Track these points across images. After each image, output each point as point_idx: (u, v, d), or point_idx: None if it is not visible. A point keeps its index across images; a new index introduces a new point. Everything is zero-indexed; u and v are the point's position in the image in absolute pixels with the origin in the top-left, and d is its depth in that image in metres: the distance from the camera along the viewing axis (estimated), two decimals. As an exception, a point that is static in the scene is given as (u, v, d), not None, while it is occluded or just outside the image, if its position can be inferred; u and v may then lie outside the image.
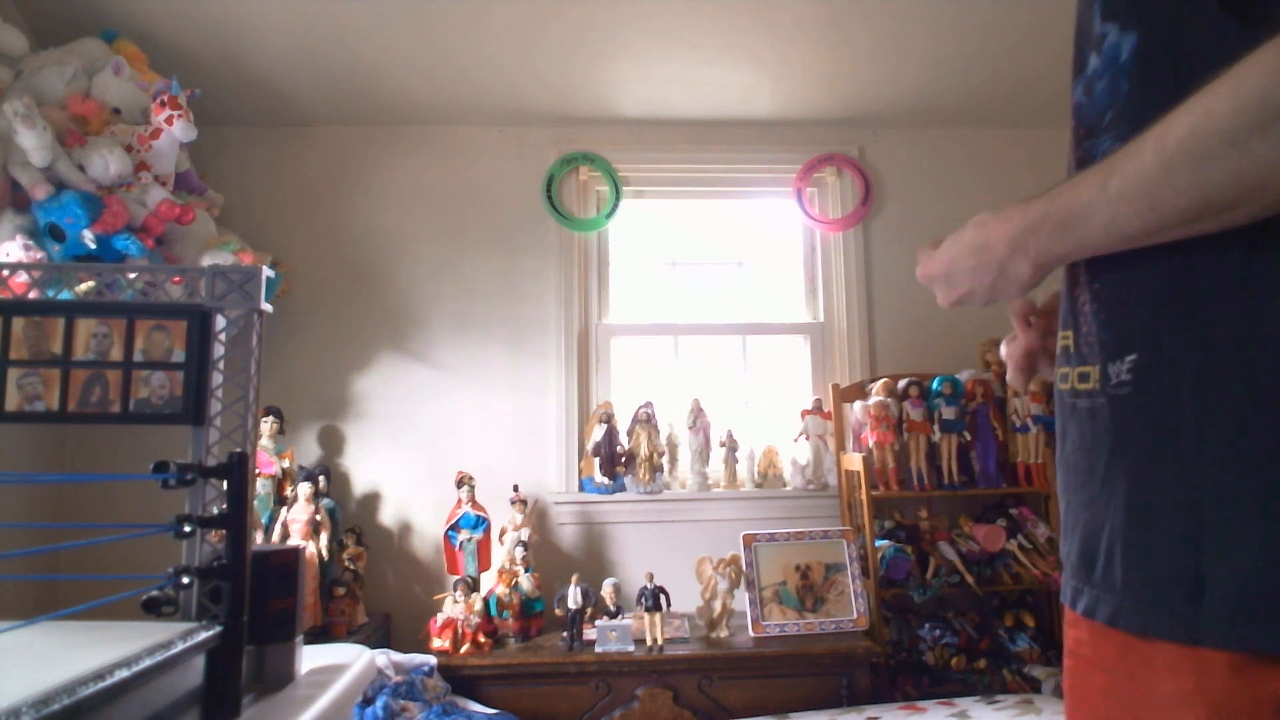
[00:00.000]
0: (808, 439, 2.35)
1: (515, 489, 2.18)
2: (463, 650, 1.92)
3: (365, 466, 2.32)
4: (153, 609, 0.71)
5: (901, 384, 2.23)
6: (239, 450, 0.80)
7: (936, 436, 2.19)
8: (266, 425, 2.15)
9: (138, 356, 0.83)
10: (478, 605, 1.97)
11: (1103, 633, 0.54)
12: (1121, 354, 0.54)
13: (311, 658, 0.94)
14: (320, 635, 1.92)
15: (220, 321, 0.86)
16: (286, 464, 2.15)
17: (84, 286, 0.89)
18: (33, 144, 1.61)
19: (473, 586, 2.02)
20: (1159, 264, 0.52)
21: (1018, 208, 0.58)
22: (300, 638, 0.88)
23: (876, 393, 2.22)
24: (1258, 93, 0.41)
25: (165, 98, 1.79)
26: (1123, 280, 0.54)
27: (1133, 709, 0.52)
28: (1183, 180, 0.45)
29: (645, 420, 2.27)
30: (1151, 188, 0.47)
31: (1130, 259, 0.53)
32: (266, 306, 0.88)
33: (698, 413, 2.30)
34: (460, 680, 1.87)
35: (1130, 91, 0.54)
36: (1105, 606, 0.54)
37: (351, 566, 2.08)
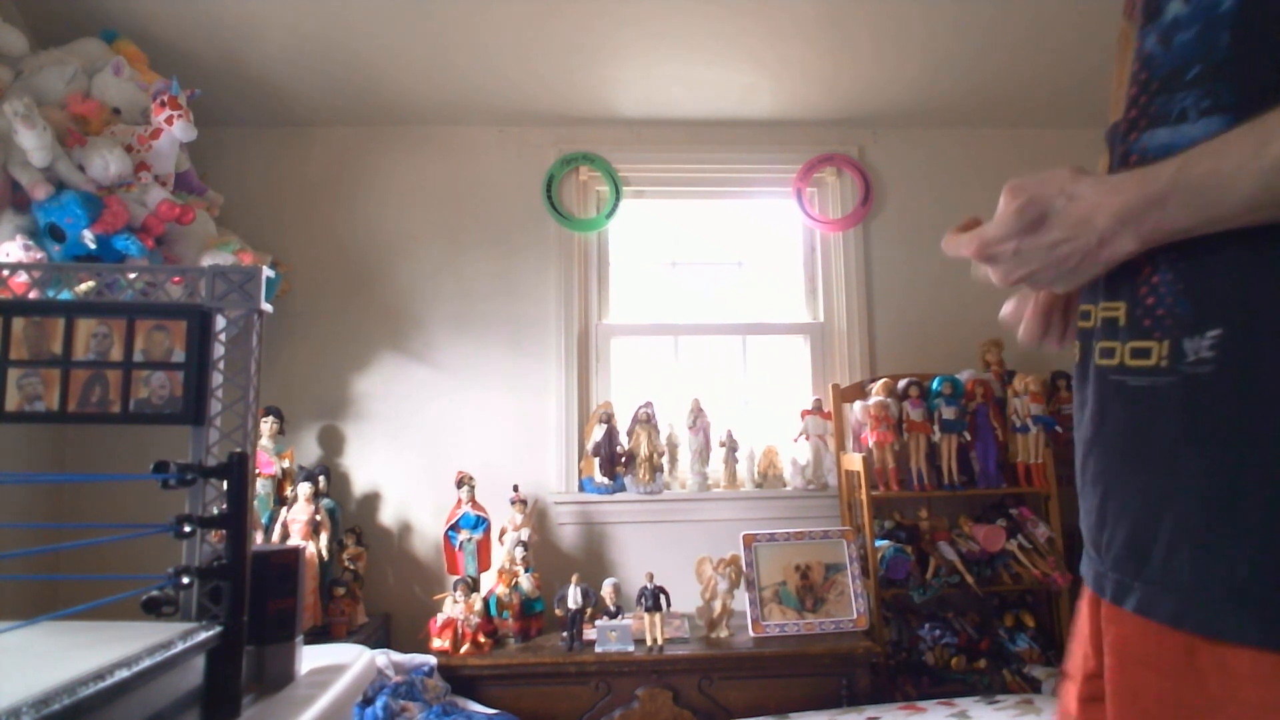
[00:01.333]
0: (808, 439, 2.35)
1: (515, 489, 2.18)
2: (463, 650, 1.92)
3: (365, 466, 2.32)
4: (153, 609, 0.71)
5: (901, 384, 2.23)
6: (239, 450, 0.80)
7: (936, 436, 2.19)
8: (266, 425, 2.15)
9: (138, 356, 0.83)
10: (478, 605, 1.97)
11: (1159, 632, 0.50)
12: (1202, 329, 0.49)
13: (311, 658, 0.94)
14: (320, 635, 1.92)
15: (220, 321, 0.86)
16: (286, 464, 2.15)
17: (84, 286, 0.89)
18: (33, 144, 1.61)
19: (473, 586, 2.02)
20: (1253, 230, 0.47)
21: (1131, 177, 0.51)
22: (300, 638, 0.88)
23: (876, 393, 2.22)
24: None
25: (165, 98, 1.79)
26: (1208, 248, 0.49)
27: (1202, 716, 0.48)
28: None
29: (645, 420, 2.28)
30: None
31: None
32: (266, 306, 0.88)
33: (698, 413, 2.30)
34: (460, 680, 1.87)
35: (1232, 45, 0.48)
36: (1166, 604, 0.50)
37: (351, 566, 2.08)
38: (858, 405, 2.26)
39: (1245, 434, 0.47)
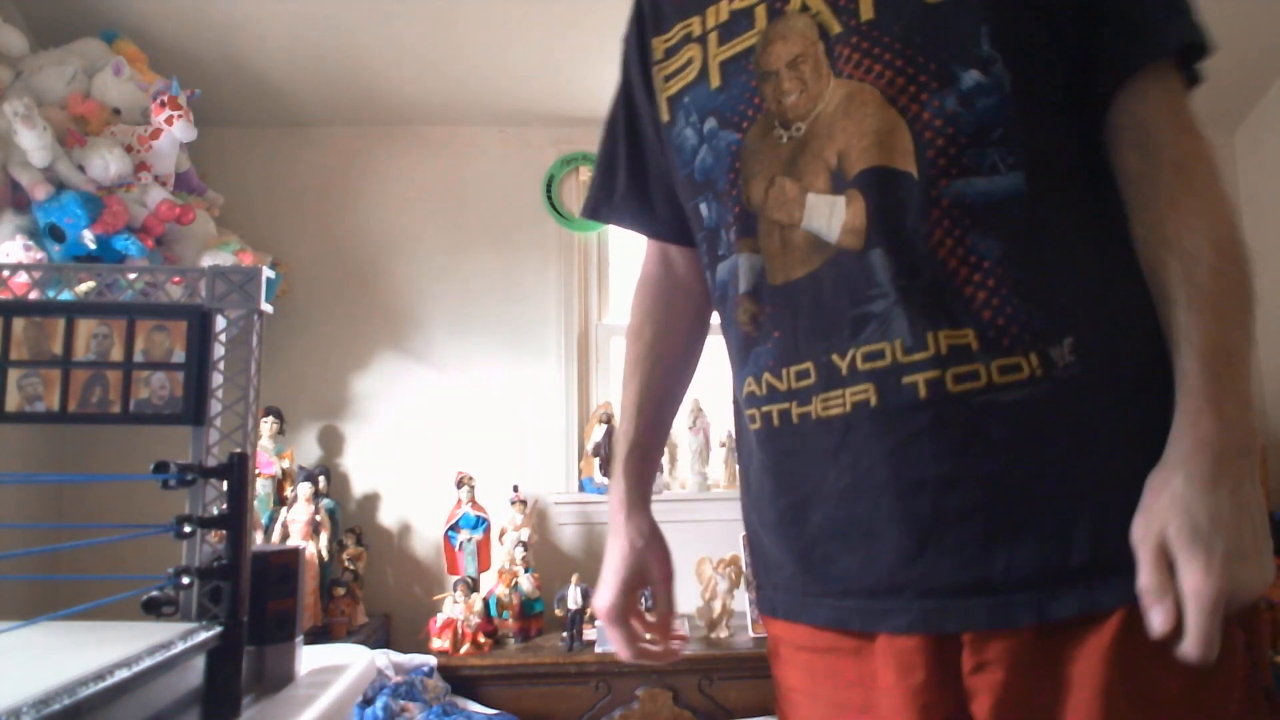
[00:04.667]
0: (808, 439, 2.34)
1: (515, 489, 2.18)
2: (463, 650, 1.92)
3: (365, 466, 2.32)
4: (153, 609, 0.71)
5: (901, 384, 2.23)
6: (239, 450, 0.80)
7: (936, 437, 2.19)
8: (266, 425, 2.14)
9: (138, 357, 0.83)
10: (478, 605, 1.97)
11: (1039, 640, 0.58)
12: (1059, 337, 0.57)
13: (311, 658, 0.94)
14: (320, 635, 1.92)
15: (220, 322, 0.86)
16: (286, 464, 2.15)
17: (84, 287, 0.89)
18: (33, 144, 1.61)
19: (473, 587, 2.02)
20: (1076, 251, 0.60)
21: (1214, 448, 0.53)
22: (300, 638, 0.88)
23: (876, 393, 2.22)
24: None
25: (165, 98, 1.79)
26: (1038, 263, 0.58)
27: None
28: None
29: (645, 420, 2.27)
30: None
31: (1049, 251, 0.59)
32: (267, 307, 0.88)
33: (698, 413, 2.30)
34: (460, 680, 1.87)
35: (1016, 118, 0.59)
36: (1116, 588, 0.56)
37: (351, 567, 2.08)
38: (858, 405, 2.26)
39: (1121, 417, 0.57)
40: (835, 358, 0.60)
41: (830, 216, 0.61)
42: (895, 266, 0.58)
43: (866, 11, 0.60)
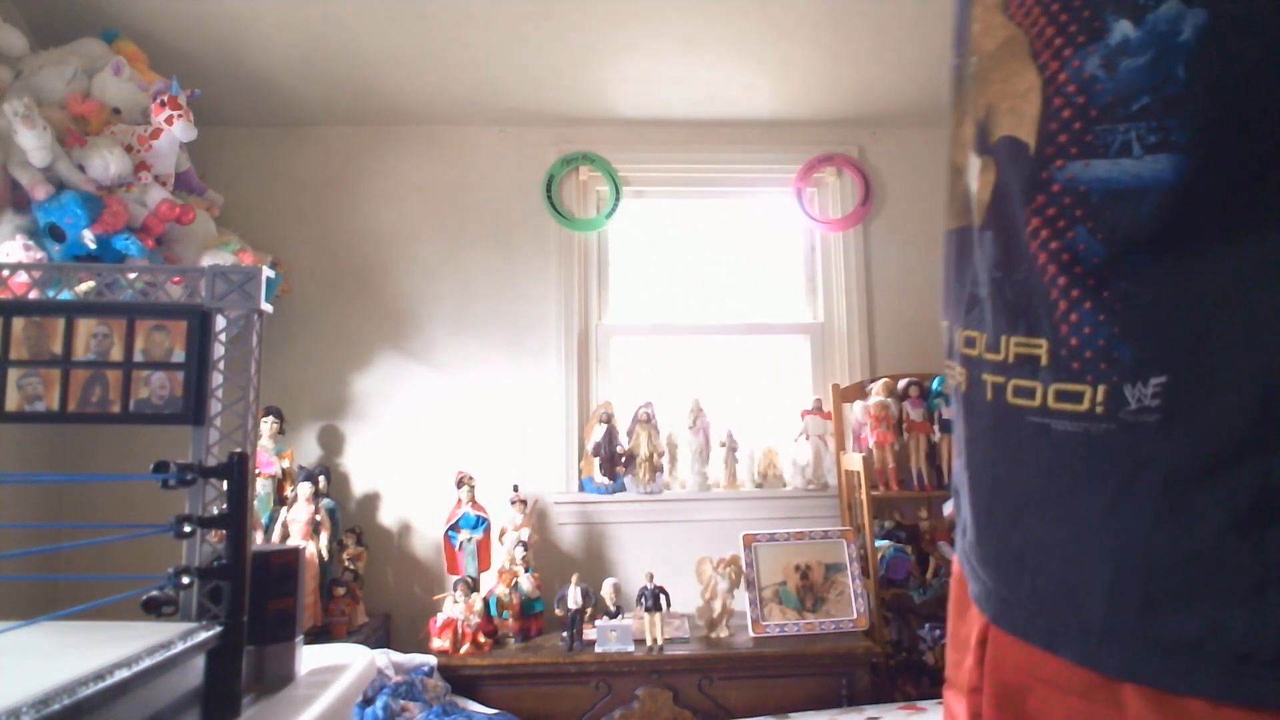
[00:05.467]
0: (808, 439, 2.35)
1: (515, 489, 2.18)
2: (463, 650, 1.92)
3: (365, 466, 2.32)
4: (153, 609, 0.71)
5: (901, 384, 2.23)
6: (239, 450, 0.80)
7: (937, 436, 2.19)
8: (266, 425, 2.14)
9: (138, 356, 0.83)
10: (478, 605, 1.97)
11: (1101, 681, 0.47)
12: (1145, 375, 0.45)
13: (311, 658, 0.94)
14: (320, 635, 1.92)
15: (220, 322, 0.86)
16: (286, 464, 2.15)
17: (84, 286, 0.89)
18: (33, 144, 1.61)
19: (473, 586, 2.02)
20: (1201, 272, 0.43)
21: None
22: (300, 638, 0.88)
23: (876, 393, 2.22)
24: None
25: (165, 98, 1.79)
26: (1137, 281, 0.45)
27: None
28: None
29: (645, 420, 2.28)
30: None
31: (1163, 265, 0.45)
32: (266, 307, 0.88)
33: (698, 413, 2.30)
34: (460, 680, 1.87)
35: (1188, 80, 0.44)
36: (1112, 657, 0.46)
37: (351, 566, 2.08)
38: (858, 405, 2.26)
39: (1195, 487, 0.43)
40: (953, 328, 0.57)
41: (974, 179, 0.55)
42: (995, 255, 0.52)
43: None
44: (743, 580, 2.05)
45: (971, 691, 0.57)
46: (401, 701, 1.69)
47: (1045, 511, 0.51)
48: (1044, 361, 0.50)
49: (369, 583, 2.16)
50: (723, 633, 2.01)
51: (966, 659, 0.58)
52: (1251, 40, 0.41)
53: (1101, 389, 0.47)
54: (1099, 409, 0.47)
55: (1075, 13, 0.47)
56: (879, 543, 2.14)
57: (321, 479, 2.14)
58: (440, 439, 2.34)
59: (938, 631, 2.10)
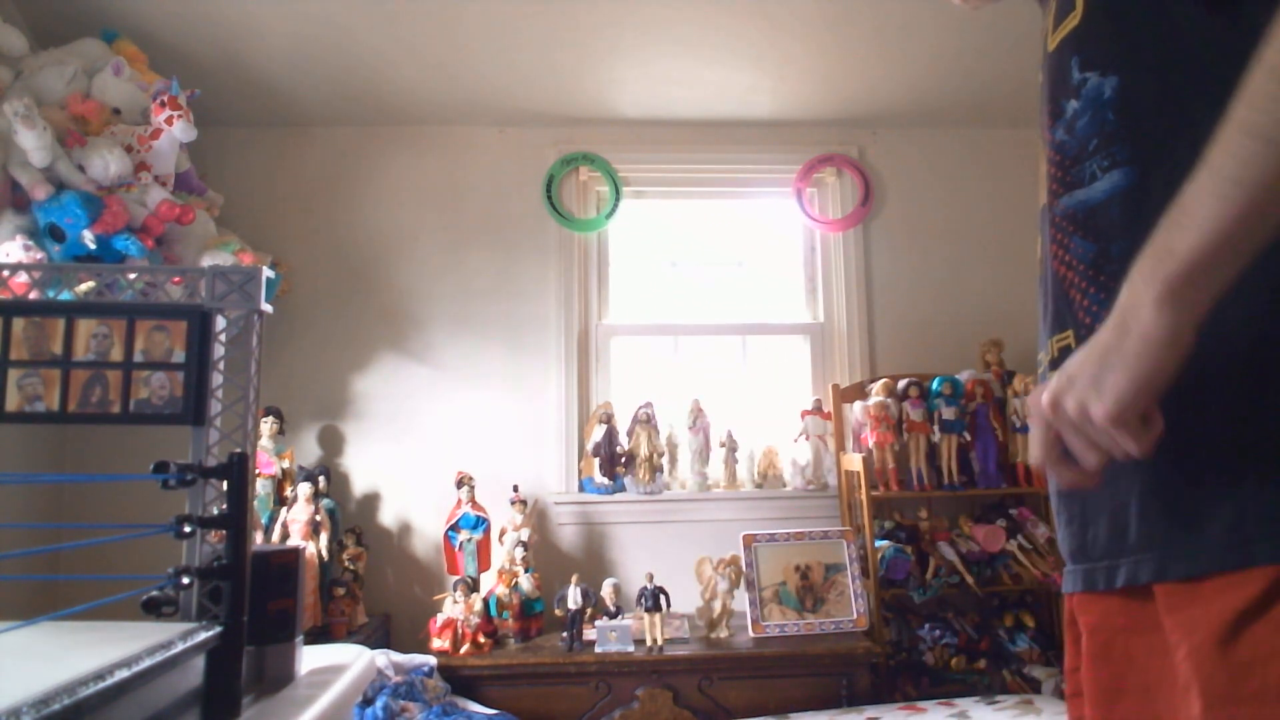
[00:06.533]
0: (808, 439, 2.35)
1: (515, 489, 2.18)
2: (463, 650, 1.92)
3: (365, 466, 2.32)
4: (153, 609, 0.71)
5: (901, 384, 2.23)
6: (239, 450, 0.80)
7: (936, 437, 2.19)
8: (266, 425, 2.14)
9: (138, 357, 0.83)
10: (478, 605, 1.97)
11: (1130, 603, 0.60)
12: None
13: (311, 658, 0.94)
14: (320, 635, 1.92)
15: (220, 322, 0.86)
16: (286, 464, 2.15)
17: (84, 287, 0.89)
18: (33, 144, 1.62)
19: (473, 587, 2.02)
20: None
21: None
22: (300, 638, 0.88)
23: (876, 393, 2.22)
24: None
25: (165, 98, 1.79)
26: (1121, 270, 0.56)
27: (1161, 658, 0.57)
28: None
29: (645, 420, 2.27)
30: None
31: (1134, 250, 0.55)
32: (266, 307, 0.88)
33: (698, 413, 2.30)
34: (460, 680, 1.87)
35: (1116, 119, 0.62)
36: (1149, 565, 0.57)
37: (351, 567, 2.08)
38: (858, 405, 2.26)
39: (1185, 412, 0.54)
40: (1049, 340, 0.70)
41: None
42: (1042, 289, 0.69)
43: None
44: (743, 580, 2.05)
45: (1070, 672, 0.68)
46: (401, 702, 1.69)
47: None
48: (1073, 347, 0.64)
49: (369, 583, 2.16)
50: (723, 633, 2.01)
51: (1067, 650, 0.70)
52: (1150, 86, 0.61)
53: None
54: None
55: (1050, 107, 0.70)
56: (879, 543, 2.13)
57: (321, 479, 2.14)
58: (440, 439, 2.34)
59: (938, 631, 2.10)
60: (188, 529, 0.75)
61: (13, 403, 0.82)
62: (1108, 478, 0.59)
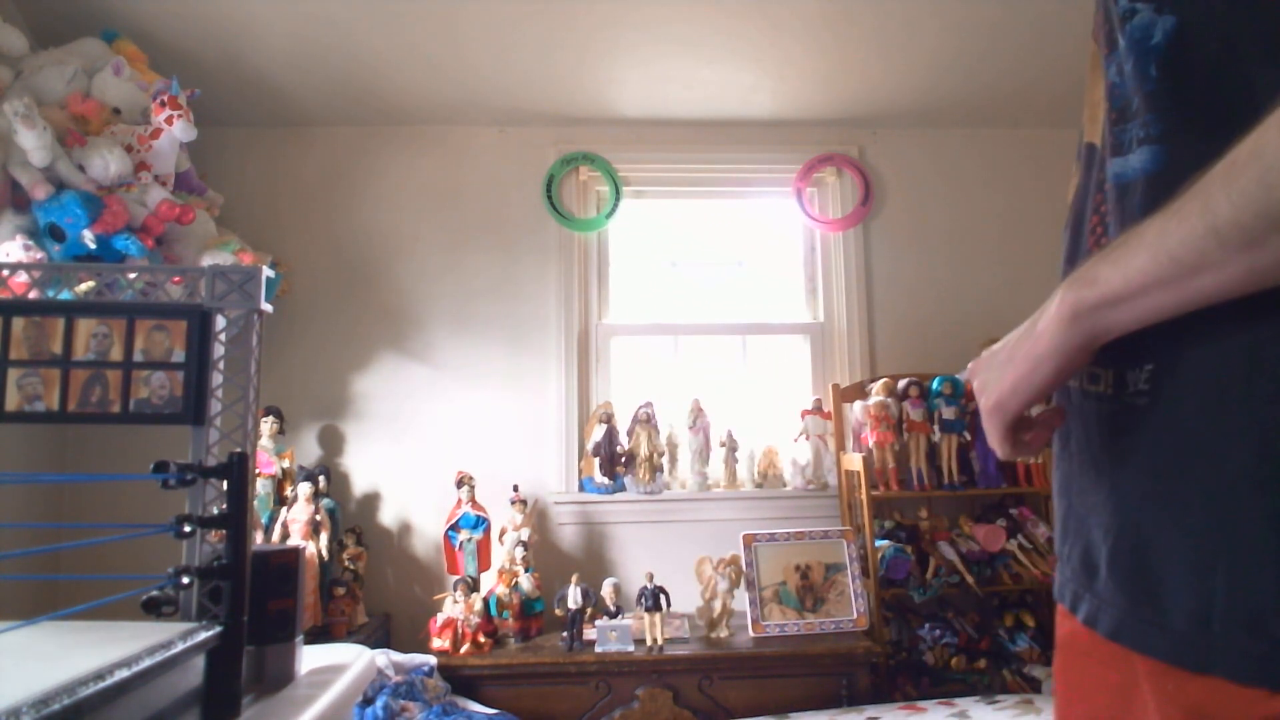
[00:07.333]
0: (808, 439, 2.35)
1: (515, 489, 2.18)
2: (463, 650, 1.92)
3: (365, 466, 2.32)
4: (153, 609, 0.71)
5: (901, 384, 2.23)
6: (239, 450, 0.80)
7: (936, 436, 2.19)
8: (266, 425, 2.14)
9: (138, 356, 0.83)
10: (478, 605, 1.97)
11: (1100, 639, 0.54)
12: (1141, 362, 0.51)
13: (311, 658, 0.94)
14: (320, 635, 1.92)
15: (220, 321, 0.86)
16: (286, 464, 2.15)
17: (84, 286, 0.89)
18: (33, 144, 1.61)
19: (473, 586, 2.02)
20: None
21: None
22: (300, 638, 0.88)
23: (876, 393, 2.22)
24: None
25: (165, 98, 1.79)
26: None
27: (1127, 702, 0.53)
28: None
29: (645, 420, 2.27)
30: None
31: None
32: (266, 306, 0.88)
33: (698, 413, 2.30)
34: (460, 680, 1.87)
35: (1159, 78, 0.50)
36: (1106, 619, 0.53)
37: (351, 566, 2.08)
38: (858, 405, 2.26)
39: (1172, 466, 0.48)
40: None
41: (1070, 185, 0.64)
42: (1066, 251, 0.61)
43: None
44: (743, 580, 2.05)
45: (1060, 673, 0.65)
46: (401, 701, 1.69)
47: (1077, 483, 0.58)
48: None
49: (369, 583, 2.16)
50: (723, 633, 2.01)
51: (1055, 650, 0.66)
52: (1212, 38, 0.47)
53: (1111, 373, 0.54)
54: (1109, 390, 0.54)
55: (1106, 28, 0.55)
56: (879, 543, 2.13)
57: (321, 479, 2.14)
58: (440, 438, 2.34)
59: (938, 631, 2.10)
60: (188, 529, 0.75)
61: (13, 402, 0.82)
62: (1089, 505, 0.56)
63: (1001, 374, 0.56)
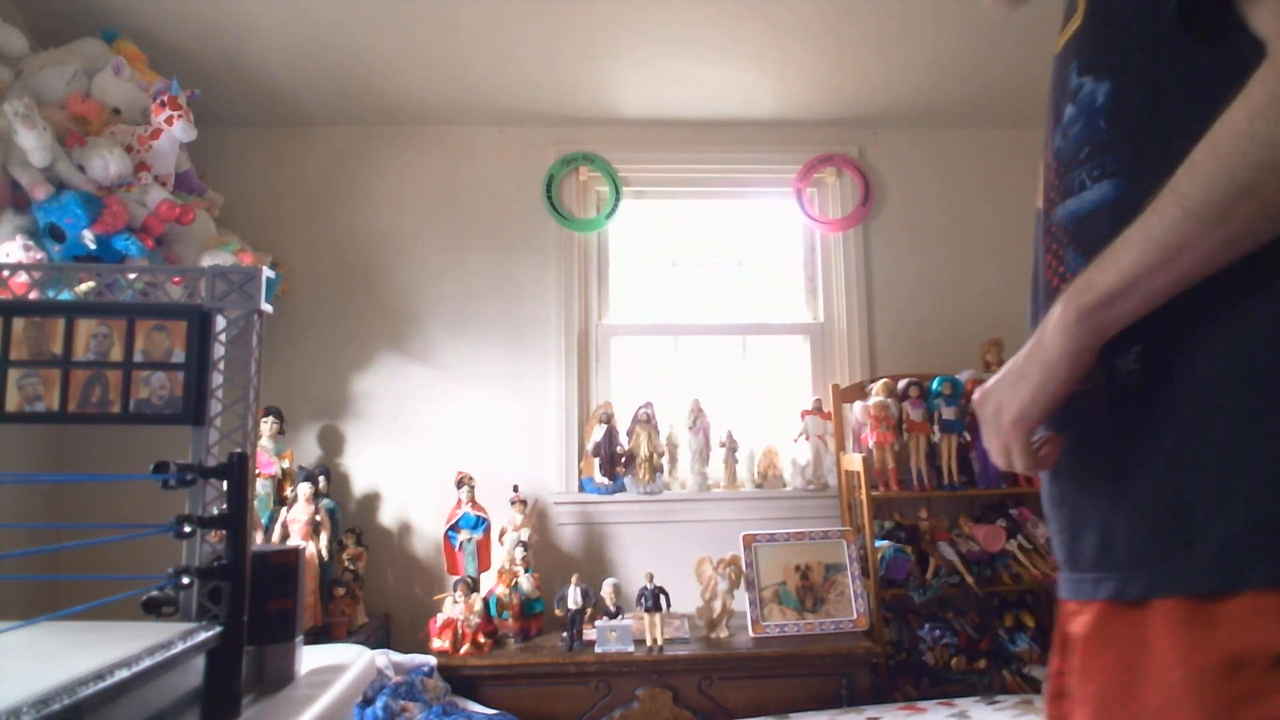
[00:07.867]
0: (807, 439, 2.35)
1: (515, 489, 2.18)
2: (463, 650, 1.92)
3: (365, 466, 2.32)
4: (153, 609, 0.71)
5: (901, 384, 2.23)
6: (239, 450, 0.80)
7: (936, 437, 2.19)
8: (266, 425, 2.14)
9: (138, 357, 0.83)
10: (478, 605, 1.97)
11: (1118, 614, 0.58)
12: (1127, 346, 0.58)
13: (311, 658, 0.94)
14: (320, 635, 1.92)
15: (220, 322, 0.86)
16: (286, 464, 2.15)
17: (84, 287, 0.89)
18: (33, 144, 1.61)
19: (473, 587, 2.02)
20: None
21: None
22: (300, 638, 0.88)
23: (876, 393, 2.22)
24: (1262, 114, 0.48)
25: (165, 98, 1.79)
26: None
27: (1132, 675, 0.56)
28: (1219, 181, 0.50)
29: (645, 420, 2.27)
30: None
31: None
32: (266, 307, 0.88)
33: (698, 413, 2.30)
34: (460, 680, 1.87)
35: (1108, 130, 0.61)
36: (1136, 584, 0.56)
37: (351, 567, 2.08)
38: (858, 405, 2.26)
39: (1172, 429, 0.55)
40: None
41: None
42: (1039, 291, 0.69)
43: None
44: (743, 580, 2.05)
45: (1054, 675, 0.70)
46: (401, 702, 1.69)
47: (1079, 476, 0.63)
48: None
49: (369, 583, 2.16)
50: (723, 633, 2.01)
51: (1053, 653, 0.70)
52: (1141, 92, 0.60)
53: (1099, 366, 0.60)
54: (1098, 379, 0.60)
55: (1052, 108, 0.69)
56: (879, 543, 2.13)
57: (321, 479, 2.14)
58: (440, 439, 2.34)
59: (938, 631, 2.10)
60: (188, 529, 0.75)
61: (13, 403, 0.82)
62: (1097, 489, 0.60)
63: (1016, 390, 0.61)
